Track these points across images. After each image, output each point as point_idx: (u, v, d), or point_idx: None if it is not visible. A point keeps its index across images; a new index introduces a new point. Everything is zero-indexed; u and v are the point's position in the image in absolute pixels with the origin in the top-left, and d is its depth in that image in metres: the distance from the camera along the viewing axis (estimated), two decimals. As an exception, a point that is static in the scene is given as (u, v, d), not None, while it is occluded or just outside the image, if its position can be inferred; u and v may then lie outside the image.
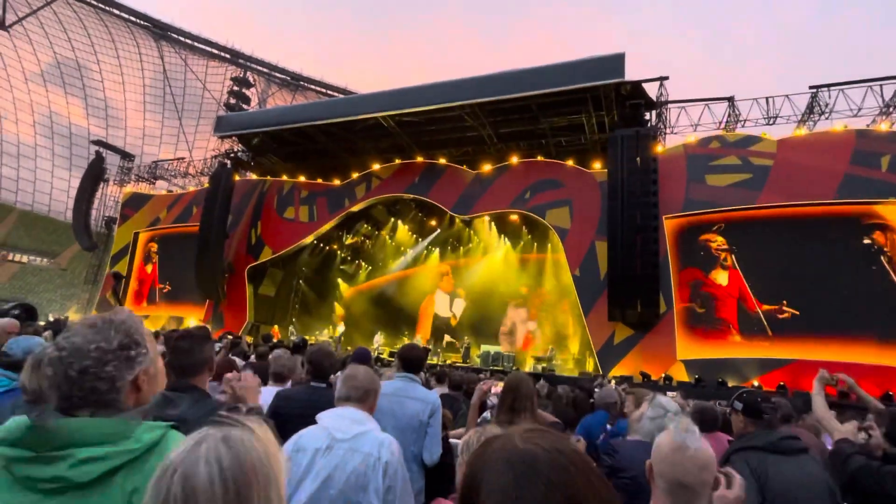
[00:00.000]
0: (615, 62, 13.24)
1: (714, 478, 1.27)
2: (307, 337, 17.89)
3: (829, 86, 13.39)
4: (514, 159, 15.67)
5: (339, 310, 21.51)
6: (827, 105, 13.33)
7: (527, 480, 0.59)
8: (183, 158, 24.64)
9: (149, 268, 20.95)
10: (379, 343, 17.94)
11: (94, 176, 24.41)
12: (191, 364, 1.93)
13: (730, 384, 11.26)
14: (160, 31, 37.96)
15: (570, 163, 14.93)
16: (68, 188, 38.18)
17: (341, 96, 28.92)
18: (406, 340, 18.35)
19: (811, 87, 13.56)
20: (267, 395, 2.94)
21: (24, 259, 35.52)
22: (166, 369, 2.00)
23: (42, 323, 11.74)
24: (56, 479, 0.89)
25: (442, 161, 16.68)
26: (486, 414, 3.40)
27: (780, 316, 11.64)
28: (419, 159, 17.03)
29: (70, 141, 40.86)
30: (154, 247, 20.96)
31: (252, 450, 0.70)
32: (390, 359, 14.25)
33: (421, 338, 18.53)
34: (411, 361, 2.97)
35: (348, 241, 21.03)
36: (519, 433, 0.66)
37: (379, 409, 2.67)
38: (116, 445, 0.91)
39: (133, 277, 21.12)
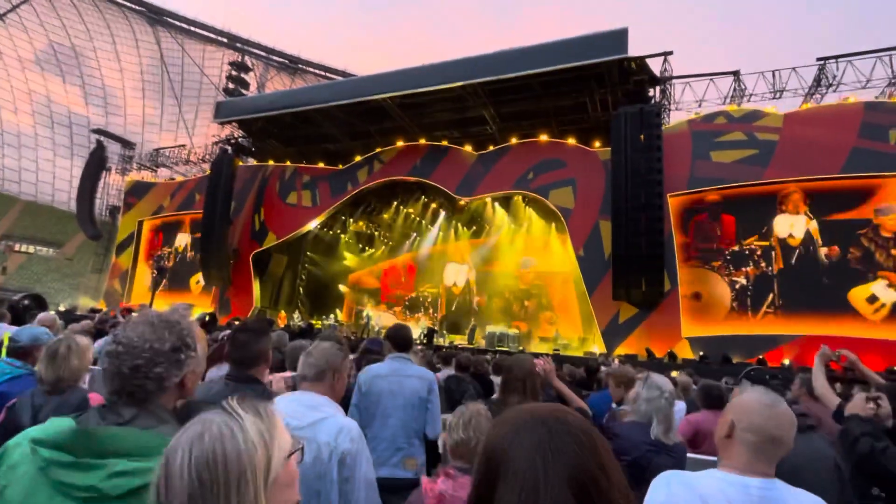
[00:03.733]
0: (618, 38, 13.00)
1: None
2: (313, 321, 18.12)
3: (836, 57, 13.15)
4: (516, 139, 15.54)
5: (345, 291, 21.73)
6: (835, 77, 13.12)
7: (561, 436, 0.63)
8: (184, 145, 24.59)
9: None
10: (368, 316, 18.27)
11: (96, 165, 24.42)
12: (249, 357, 2.00)
13: (734, 360, 11.33)
14: (155, 16, 37.51)
15: (572, 142, 14.79)
16: (70, 177, 38.18)
17: (341, 79, 28.59)
18: (405, 319, 18.51)
19: (819, 59, 13.32)
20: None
21: (31, 249, 35.75)
22: (228, 360, 2.08)
23: (52, 312, 11.91)
24: (90, 489, 0.91)
25: (444, 143, 16.55)
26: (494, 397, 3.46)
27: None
28: (421, 141, 16.91)
29: (70, 130, 40.71)
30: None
31: (228, 443, 0.71)
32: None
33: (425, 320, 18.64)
34: (402, 341, 3.03)
35: (352, 225, 21.05)
36: (533, 405, 0.71)
37: (379, 390, 2.74)
38: (150, 461, 0.92)
39: (141, 264, 21.30)
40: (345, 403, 2.06)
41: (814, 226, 11.77)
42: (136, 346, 1.05)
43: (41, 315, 4.10)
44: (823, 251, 11.56)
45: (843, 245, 11.41)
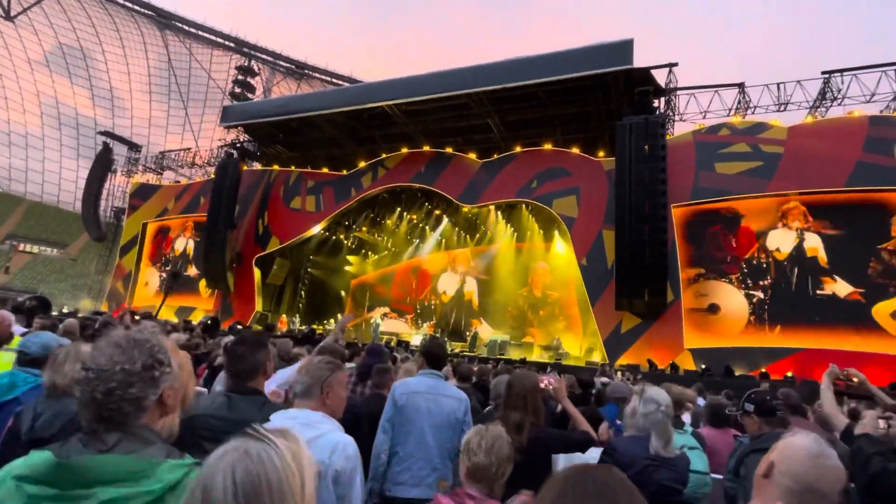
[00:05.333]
0: (623, 49, 13.06)
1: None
2: (315, 326, 18.13)
3: (841, 71, 13.16)
4: (521, 148, 15.57)
5: (348, 293, 21.79)
6: (840, 91, 13.13)
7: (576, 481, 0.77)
8: (189, 149, 24.72)
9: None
10: (378, 325, 18.27)
11: (103, 167, 24.56)
12: (246, 369, 2.01)
13: (737, 373, 11.26)
14: (164, 20, 37.85)
15: (577, 151, 14.81)
16: (76, 178, 38.44)
17: (347, 84, 28.77)
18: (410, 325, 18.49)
19: (823, 73, 13.34)
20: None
21: (35, 249, 35.91)
22: (226, 373, 2.07)
23: (55, 313, 11.94)
24: None
25: (448, 150, 16.61)
26: (491, 406, 3.44)
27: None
28: (426, 148, 16.96)
29: (77, 131, 41.02)
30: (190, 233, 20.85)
31: (268, 465, 0.73)
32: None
33: (426, 325, 18.63)
34: (436, 358, 2.96)
35: (355, 230, 21.10)
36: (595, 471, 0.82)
37: (415, 408, 2.69)
38: (138, 485, 0.93)
39: (144, 266, 21.39)
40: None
41: (815, 241, 11.74)
42: (105, 369, 1.02)
43: (66, 321, 4.11)
44: (829, 282, 11.49)
45: (862, 258, 11.27)
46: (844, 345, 10.88)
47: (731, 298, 12.26)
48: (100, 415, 1.01)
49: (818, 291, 11.48)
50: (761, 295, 12.02)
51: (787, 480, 1.25)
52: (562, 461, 2.24)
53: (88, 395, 1.01)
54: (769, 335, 11.75)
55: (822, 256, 11.65)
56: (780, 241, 12.04)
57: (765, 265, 12.12)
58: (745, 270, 12.27)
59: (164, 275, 20.84)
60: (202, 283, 18.90)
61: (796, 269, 11.77)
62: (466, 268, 20.02)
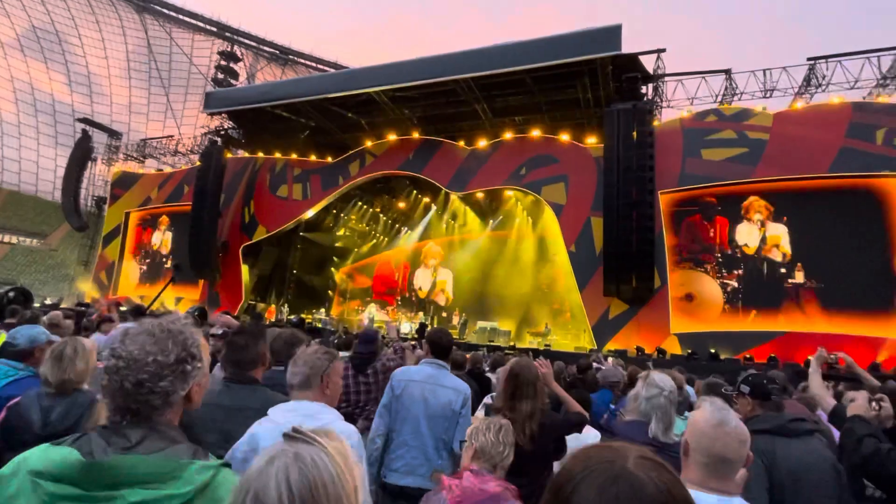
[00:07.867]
0: (611, 34, 12.98)
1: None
2: (304, 315, 18.04)
3: (826, 57, 13.27)
4: (509, 134, 15.51)
5: (339, 280, 21.72)
6: (824, 77, 13.24)
7: (635, 492, 0.60)
8: (172, 136, 24.18)
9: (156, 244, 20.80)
10: (372, 316, 18.17)
11: (82, 155, 23.93)
12: (246, 359, 2.05)
13: (722, 357, 11.48)
14: (142, 3, 36.77)
15: (565, 137, 14.79)
16: (55, 167, 37.45)
17: (332, 70, 28.31)
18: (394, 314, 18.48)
19: (809, 59, 13.44)
20: None
21: (14, 240, 35.05)
22: (224, 362, 2.08)
23: (37, 305, 11.70)
24: None
25: (436, 137, 16.46)
26: (487, 399, 3.44)
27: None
28: (413, 135, 16.81)
29: (54, 118, 39.85)
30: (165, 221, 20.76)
31: (322, 469, 0.70)
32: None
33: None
34: (442, 348, 2.92)
35: (343, 218, 20.93)
36: (635, 456, 0.66)
37: (411, 396, 2.68)
38: (167, 487, 0.89)
39: (128, 256, 21.03)
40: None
41: (777, 230, 12.04)
42: (138, 359, 0.98)
43: (50, 314, 4.04)
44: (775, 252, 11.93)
45: (845, 242, 11.40)
46: (824, 328, 11.15)
47: (706, 287, 12.49)
48: (126, 406, 0.97)
49: (789, 280, 11.75)
50: (735, 284, 12.28)
51: (699, 456, 1.35)
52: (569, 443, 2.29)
53: (117, 384, 0.97)
54: (747, 320, 11.99)
55: (784, 247, 11.96)
56: (747, 237, 12.36)
57: (738, 256, 12.36)
58: (721, 260, 12.49)
59: (144, 268, 20.62)
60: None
61: (765, 262, 12.10)
62: (438, 260, 20.12)
